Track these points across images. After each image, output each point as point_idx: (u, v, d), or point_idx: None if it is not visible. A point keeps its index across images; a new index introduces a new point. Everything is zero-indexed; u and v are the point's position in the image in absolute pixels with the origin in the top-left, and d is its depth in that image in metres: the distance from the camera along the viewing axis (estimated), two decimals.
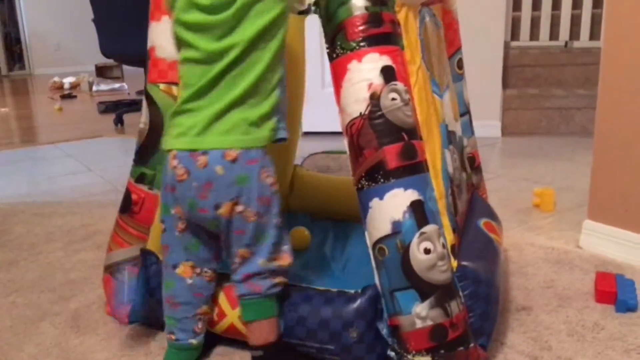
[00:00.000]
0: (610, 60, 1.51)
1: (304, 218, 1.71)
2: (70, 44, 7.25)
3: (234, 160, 0.97)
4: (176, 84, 1.21)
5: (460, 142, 1.49)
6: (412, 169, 1.04)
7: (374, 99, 1.06)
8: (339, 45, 1.08)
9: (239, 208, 0.99)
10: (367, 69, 1.07)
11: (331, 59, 1.10)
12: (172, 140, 1.01)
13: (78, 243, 1.73)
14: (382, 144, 1.05)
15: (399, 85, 1.07)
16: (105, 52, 3.59)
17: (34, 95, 5.81)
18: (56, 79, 5.86)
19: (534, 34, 3.40)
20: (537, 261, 1.53)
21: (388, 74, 1.07)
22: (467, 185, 1.50)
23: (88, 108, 4.53)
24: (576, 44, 3.36)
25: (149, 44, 1.26)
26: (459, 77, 1.53)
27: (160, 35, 1.23)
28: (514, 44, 3.39)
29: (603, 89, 1.54)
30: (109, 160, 2.73)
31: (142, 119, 1.24)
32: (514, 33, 3.40)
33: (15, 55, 7.59)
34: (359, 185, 1.06)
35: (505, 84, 3.25)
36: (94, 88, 5.48)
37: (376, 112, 1.06)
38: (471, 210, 1.37)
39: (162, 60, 1.22)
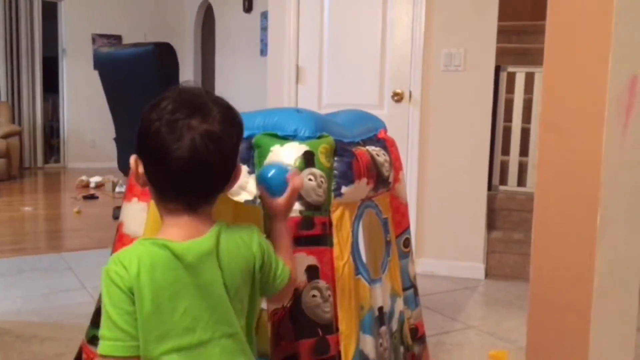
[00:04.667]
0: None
1: None
2: (104, 143, 7.72)
3: None
4: None
5: (402, 316, 1.60)
6: None
7: (297, 294, 1.20)
8: None
9: None
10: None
11: None
12: None
13: None
14: (298, 338, 1.18)
15: (321, 283, 1.22)
16: (122, 169, 3.89)
17: (61, 193, 6.16)
18: (83, 177, 6.22)
19: (521, 180, 3.56)
20: None
21: (312, 272, 1.23)
22: (407, 357, 1.60)
23: (105, 212, 4.79)
24: None
25: (120, 219, 1.45)
26: (404, 255, 1.67)
27: (128, 214, 1.42)
28: (502, 187, 3.55)
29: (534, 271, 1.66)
30: None
31: None
32: (503, 177, 3.58)
33: (54, 149, 8.12)
34: None
35: (491, 227, 3.37)
36: (117, 189, 5.80)
37: (297, 306, 1.20)
38: None
39: (126, 236, 1.40)
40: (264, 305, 2.03)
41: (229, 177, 0.96)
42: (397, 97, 3.17)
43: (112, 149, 7.47)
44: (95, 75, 7.90)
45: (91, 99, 7.55)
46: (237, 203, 1.34)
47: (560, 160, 1.57)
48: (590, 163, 1.47)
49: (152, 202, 1.43)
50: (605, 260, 1.50)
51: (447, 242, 3.20)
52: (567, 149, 1.56)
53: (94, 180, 6.16)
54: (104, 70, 4.06)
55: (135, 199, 1.43)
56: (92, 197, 5.51)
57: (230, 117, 0.93)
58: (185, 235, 0.91)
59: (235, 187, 1.32)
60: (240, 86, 6.45)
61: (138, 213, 1.42)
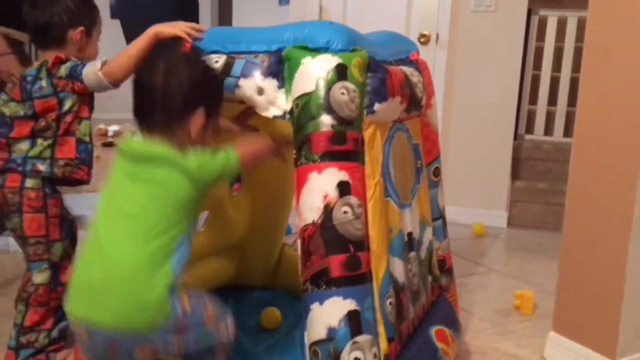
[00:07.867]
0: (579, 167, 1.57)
1: (284, 297, 1.80)
2: (121, 94, 7.67)
3: None
4: None
5: (431, 245, 1.56)
6: (354, 279, 1.13)
7: (328, 209, 1.16)
8: (304, 155, 1.20)
9: None
10: (324, 182, 1.18)
11: (296, 165, 1.21)
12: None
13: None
14: (329, 253, 1.14)
15: (353, 199, 1.18)
16: None
17: None
18: (102, 125, 6.22)
19: (548, 129, 3.47)
20: None
21: (343, 188, 1.18)
22: (435, 288, 1.57)
23: None
24: None
25: None
26: (434, 185, 1.62)
27: None
28: (528, 137, 3.46)
29: (570, 209, 1.60)
30: None
31: None
32: (529, 126, 3.48)
33: None
34: (304, 288, 1.15)
35: (515, 176, 3.31)
36: (134, 138, 5.79)
37: (328, 222, 1.16)
38: (429, 315, 1.43)
39: None
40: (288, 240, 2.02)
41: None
42: (424, 39, 3.07)
43: (128, 100, 7.49)
44: (112, 26, 7.77)
45: (108, 51, 7.47)
46: (264, 119, 1.30)
47: (603, 84, 1.50)
48: (636, 87, 1.40)
49: None
50: None
51: (470, 190, 3.15)
52: (612, 72, 1.48)
53: (112, 129, 6.15)
54: (123, 14, 3.97)
55: None
56: (110, 144, 5.51)
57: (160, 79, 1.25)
58: None
59: (264, 101, 1.27)
60: None
61: None
